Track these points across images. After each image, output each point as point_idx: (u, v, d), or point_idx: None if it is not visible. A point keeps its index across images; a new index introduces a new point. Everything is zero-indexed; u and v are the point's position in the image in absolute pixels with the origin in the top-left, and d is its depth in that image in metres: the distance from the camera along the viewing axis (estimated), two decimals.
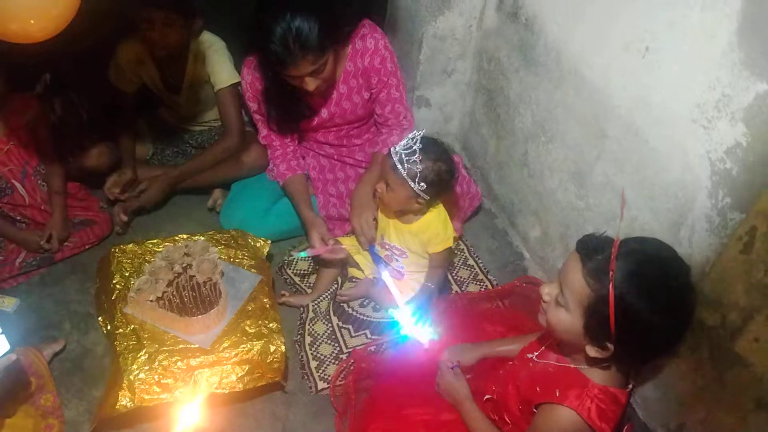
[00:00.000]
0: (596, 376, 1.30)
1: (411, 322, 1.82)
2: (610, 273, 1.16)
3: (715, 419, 1.29)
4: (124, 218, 2.25)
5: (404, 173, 1.73)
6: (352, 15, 1.94)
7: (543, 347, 1.47)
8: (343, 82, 2.02)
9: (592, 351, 1.26)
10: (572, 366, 1.35)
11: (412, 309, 1.86)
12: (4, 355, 1.39)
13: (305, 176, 2.18)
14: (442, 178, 1.79)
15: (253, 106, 2.09)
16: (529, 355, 1.48)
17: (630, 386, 1.37)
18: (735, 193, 1.27)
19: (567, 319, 1.27)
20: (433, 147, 1.77)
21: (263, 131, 2.14)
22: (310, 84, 1.83)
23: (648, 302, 1.17)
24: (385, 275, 1.94)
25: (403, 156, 1.73)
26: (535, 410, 1.37)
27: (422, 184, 1.74)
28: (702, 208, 1.36)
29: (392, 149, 1.77)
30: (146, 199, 2.28)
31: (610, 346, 1.22)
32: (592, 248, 1.24)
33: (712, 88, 1.29)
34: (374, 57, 1.97)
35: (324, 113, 2.08)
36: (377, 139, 2.16)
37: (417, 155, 1.71)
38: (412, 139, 1.74)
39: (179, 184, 2.34)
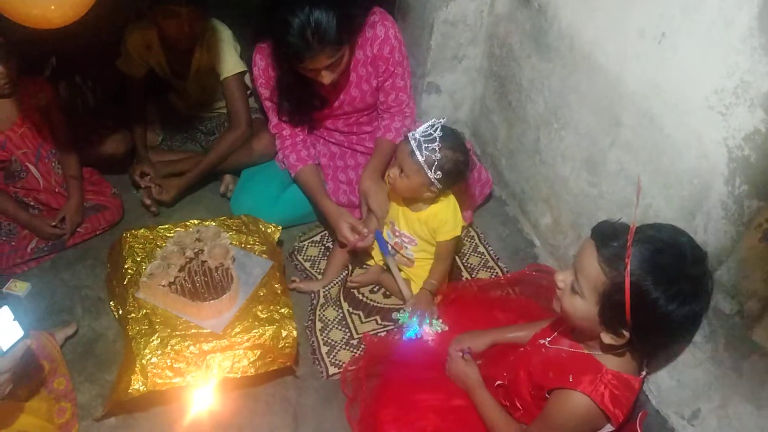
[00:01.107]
0: (610, 362, 1.30)
1: (416, 320, 1.84)
2: (626, 260, 1.16)
3: (731, 408, 1.28)
4: (147, 202, 2.29)
5: (422, 160, 1.72)
6: (363, 2, 1.92)
7: (555, 333, 1.47)
8: (353, 70, 2.00)
9: (607, 338, 1.26)
10: (586, 352, 1.35)
11: (415, 308, 1.87)
12: (19, 341, 1.39)
13: (317, 166, 2.17)
14: (459, 169, 1.78)
15: (264, 93, 2.07)
16: (542, 341, 1.48)
17: (644, 373, 1.37)
18: (753, 180, 1.26)
19: (582, 306, 1.27)
20: (452, 137, 1.76)
21: (273, 120, 2.12)
22: (326, 77, 1.81)
23: (664, 289, 1.17)
24: (394, 269, 1.94)
25: (422, 142, 1.71)
26: (547, 396, 1.38)
27: (438, 172, 1.73)
28: (718, 195, 1.35)
29: (410, 135, 1.75)
30: (162, 201, 2.31)
31: (626, 333, 1.22)
32: (607, 235, 1.24)
33: (730, 74, 1.27)
34: (384, 45, 1.95)
35: (334, 102, 2.07)
36: (379, 124, 2.14)
37: (436, 143, 1.70)
38: (432, 126, 1.73)
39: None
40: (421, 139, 1.72)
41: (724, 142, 1.31)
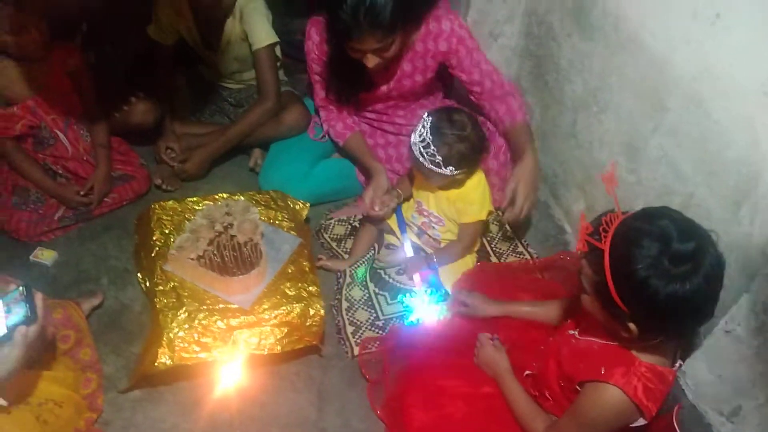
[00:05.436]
0: (643, 355, 1.26)
1: (422, 302, 1.85)
2: (605, 249, 1.16)
3: None
4: (158, 182, 2.28)
5: (429, 165, 1.72)
6: None
7: (585, 324, 1.43)
8: (409, 60, 1.95)
9: (624, 333, 1.22)
10: (617, 344, 1.31)
11: (408, 267, 1.90)
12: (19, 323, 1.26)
13: (363, 133, 2.16)
14: (467, 154, 1.75)
15: (315, 67, 2.03)
16: (571, 332, 1.45)
17: (677, 365, 1.32)
18: None
19: (588, 300, 1.27)
20: (447, 128, 1.72)
21: (321, 93, 2.09)
22: (370, 61, 1.76)
23: (645, 268, 1.12)
24: (407, 247, 1.94)
25: (421, 149, 1.71)
26: (578, 388, 1.34)
27: (450, 168, 1.72)
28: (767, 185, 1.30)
29: (411, 141, 1.74)
30: (185, 173, 2.29)
31: (632, 325, 1.19)
32: (596, 227, 1.21)
33: None
34: (450, 39, 1.89)
35: (383, 88, 2.03)
36: (497, 116, 1.97)
37: (431, 147, 1.69)
38: (423, 127, 1.71)
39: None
40: (420, 145, 1.72)
41: None
